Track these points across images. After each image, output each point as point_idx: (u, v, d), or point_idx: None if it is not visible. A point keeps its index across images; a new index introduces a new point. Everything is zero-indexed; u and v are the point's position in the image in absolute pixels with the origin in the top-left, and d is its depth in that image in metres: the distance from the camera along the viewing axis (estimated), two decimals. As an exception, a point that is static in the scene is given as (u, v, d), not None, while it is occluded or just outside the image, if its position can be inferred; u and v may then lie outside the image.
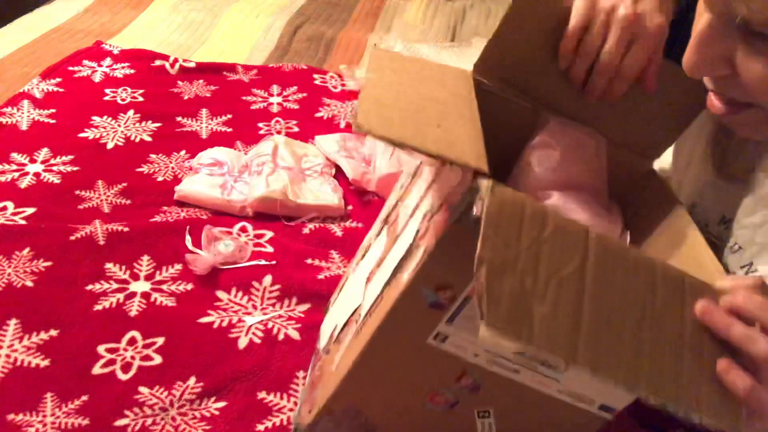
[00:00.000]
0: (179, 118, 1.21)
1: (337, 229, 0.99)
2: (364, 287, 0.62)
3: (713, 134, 0.65)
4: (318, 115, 1.29)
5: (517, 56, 0.65)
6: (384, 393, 0.56)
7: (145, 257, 0.89)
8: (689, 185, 0.67)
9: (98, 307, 0.81)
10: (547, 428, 0.55)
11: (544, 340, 0.39)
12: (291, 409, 0.72)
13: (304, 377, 0.76)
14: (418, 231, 0.53)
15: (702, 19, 0.48)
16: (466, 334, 0.49)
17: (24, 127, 1.13)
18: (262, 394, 0.74)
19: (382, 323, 0.52)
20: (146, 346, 0.77)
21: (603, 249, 0.44)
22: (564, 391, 0.50)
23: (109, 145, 1.11)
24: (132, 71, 1.34)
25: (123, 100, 1.24)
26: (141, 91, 1.27)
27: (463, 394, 0.54)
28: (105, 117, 1.18)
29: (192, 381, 0.74)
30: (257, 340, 0.80)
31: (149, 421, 0.69)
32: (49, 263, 0.85)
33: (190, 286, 0.86)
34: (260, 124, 1.23)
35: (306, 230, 0.98)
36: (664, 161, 0.70)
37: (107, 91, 1.26)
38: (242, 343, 0.79)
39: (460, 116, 0.53)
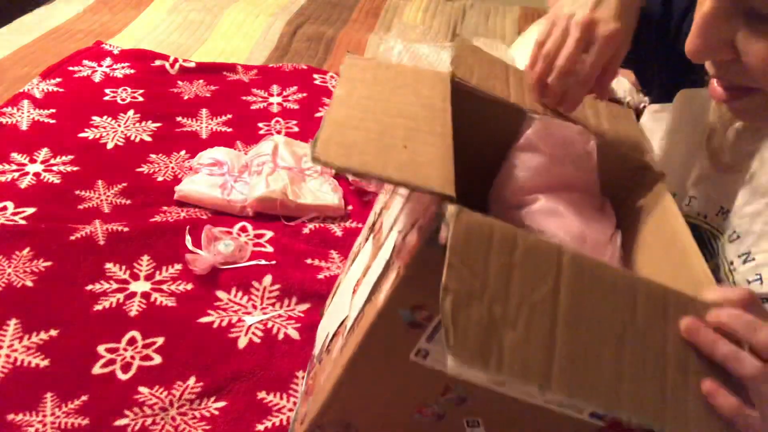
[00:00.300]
0: (179, 118, 1.21)
1: (337, 229, 0.99)
2: (350, 298, 0.62)
3: (709, 127, 0.65)
4: (318, 115, 1.29)
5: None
6: (371, 407, 0.56)
7: (145, 257, 0.89)
8: (685, 178, 0.67)
9: (98, 307, 0.81)
10: None
11: (515, 368, 0.38)
12: (290, 409, 0.72)
13: (303, 377, 0.76)
14: (394, 247, 0.52)
15: (705, 3, 0.48)
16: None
17: (24, 127, 1.13)
18: (261, 394, 0.74)
19: (362, 341, 0.51)
20: (146, 346, 0.77)
21: (578, 269, 0.43)
22: (551, 401, 0.49)
23: (109, 145, 1.11)
24: (132, 71, 1.34)
25: (123, 100, 1.24)
26: (141, 91, 1.27)
27: (450, 407, 0.53)
28: (105, 117, 1.18)
29: (192, 381, 0.74)
30: (257, 340, 0.80)
31: (149, 420, 0.69)
32: (49, 263, 0.85)
33: (190, 286, 0.86)
34: (260, 124, 1.23)
35: (306, 230, 0.98)
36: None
37: (107, 91, 1.26)
38: (242, 342, 0.79)
39: (430, 133, 0.51)
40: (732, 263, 0.60)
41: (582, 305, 0.42)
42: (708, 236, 0.63)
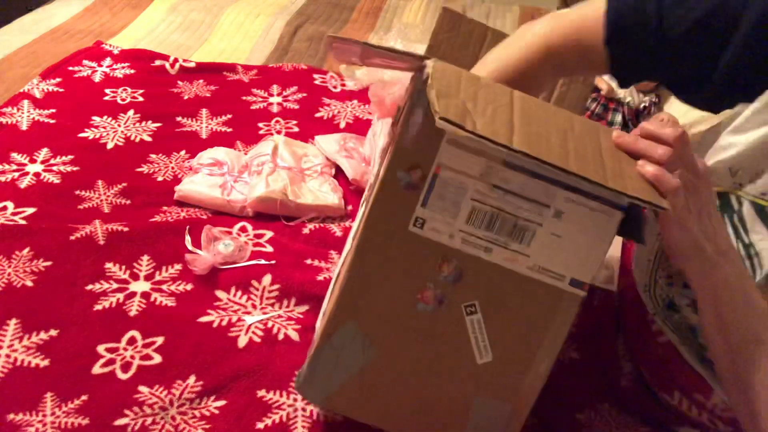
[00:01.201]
0: (179, 118, 1.21)
1: (336, 229, 0.99)
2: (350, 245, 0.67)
3: None
4: (318, 115, 1.29)
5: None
6: (377, 299, 0.60)
7: (145, 257, 0.89)
8: (759, 153, 0.65)
9: (98, 307, 0.81)
10: (530, 319, 0.59)
11: (486, 132, 0.50)
12: (290, 405, 0.72)
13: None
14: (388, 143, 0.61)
15: None
16: (439, 215, 0.57)
17: (24, 127, 1.13)
18: (261, 392, 0.74)
19: (367, 218, 0.59)
20: (146, 346, 0.77)
21: (526, 99, 0.57)
22: (534, 267, 0.58)
23: (109, 145, 1.11)
24: (132, 71, 1.34)
25: (123, 100, 1.24)
26: (141, 91, 1.27)
27: (447, 287, 0.59)
28: (105, 117, 1.18)
29: (192, 380, 0.74)
30: (257, 339, 0.80)
31: (149, 420, 0.69)
32: (49, 263, 0.85)
33: (189, 286, 0.86)
34: (260, 124, 1.23)
35: (306, 230, 0.99)
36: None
37: (107, 91, 1.26)
38: (242, 342, 0.79)
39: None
40: None
41: (531, 114, 0.55)
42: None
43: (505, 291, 0.59)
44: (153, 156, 1.10)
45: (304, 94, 1.35)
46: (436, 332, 0.60)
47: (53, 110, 1.18)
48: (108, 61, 1.36)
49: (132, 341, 0.78)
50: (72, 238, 0.89)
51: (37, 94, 1.21)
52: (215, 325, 0.81)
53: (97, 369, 0.74)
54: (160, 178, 1.05)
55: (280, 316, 0.83)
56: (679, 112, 1.43)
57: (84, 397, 0.71)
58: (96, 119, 1.17)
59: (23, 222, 0.92)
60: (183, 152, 1.12)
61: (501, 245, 0.57)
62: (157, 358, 0.76)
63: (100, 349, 0.76)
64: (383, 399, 0.63)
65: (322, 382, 0.63)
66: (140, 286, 0.85)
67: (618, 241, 0.79)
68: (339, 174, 1.11)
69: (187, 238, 0.91)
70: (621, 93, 1.44)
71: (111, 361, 0.75)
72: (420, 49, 1.42)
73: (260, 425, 0.70)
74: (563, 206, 0.56)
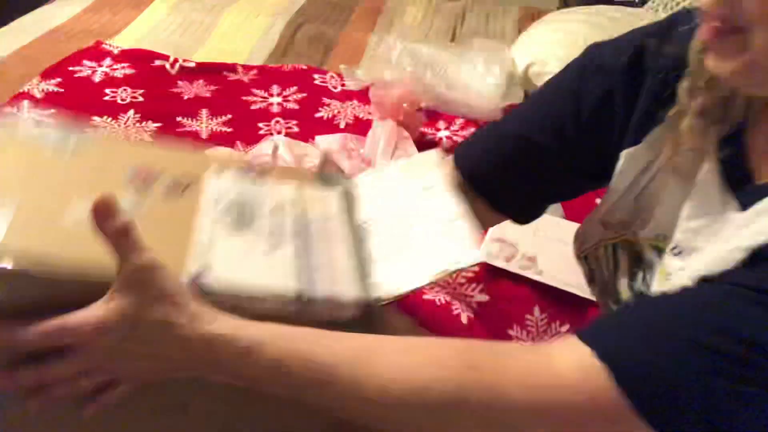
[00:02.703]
0: (179, 118, 1.21)
1: (336, 229, 0.99)
2: None
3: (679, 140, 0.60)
4: (318, 115, 1.29)
5: None
6: None
7: (145, 257, 0.88)
8: (655, 204, 0.63)
9: (98, 307, 0.81)
10: None
11: None
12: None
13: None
14: None
15: None
16: None
17: (24, 127, 1.13)
18: (261, 394, 0.73)
19: None
20: (146, 346, 0.77)
21: None
22: None
23: (109, 145, 1.11)
24: (132, 71, 1.34)
25: (123, 100, 1.24)
26: (141, 91, 1.27)
27: None
28: (105, 117, 1.18)
29: (192, 381, 0.74)
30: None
31: (149, 420, 0.69)
32: (49, 263, 0.85)
33: (190, 286, 0.86)
34: (260, 124, 1.23)
35: (306, 230, 0.98)
36: None
37: (107, 91, 1.26)
38: (242, 342, 0.79)
39: None
40: (671, 276, 0.56)
41: None
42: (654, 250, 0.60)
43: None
44: (153, 156, 1.10)
45: (304, 94, 1.35)
46: None
47: (53, 110, 1.18)
48: (108, 61, 1.36)
49: (132, 341, 0.77)
50: (72, 238, 0.89)
51: (37, 94, 1.21)
52: (215, 325, 0.81)
53: (97, 369, 0.74)
54: (160, 178, 1.05)
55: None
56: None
57: (84, 398, 0.71)
58: (96, 119, 1.17)
59: (23, 222, 0.91)
60: (183, 152, 1.12)
61: None
62: (157, 359, 0.76)
63: (100, 349, 0.76)
64: None
65: None
66: (140, 286, 0.85)
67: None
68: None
69: (187, 238, 0.91)
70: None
71: (111, 362, 0.75)
72: (419, 49, 1.42)
73: (260, 425, 0.70)
74: None
